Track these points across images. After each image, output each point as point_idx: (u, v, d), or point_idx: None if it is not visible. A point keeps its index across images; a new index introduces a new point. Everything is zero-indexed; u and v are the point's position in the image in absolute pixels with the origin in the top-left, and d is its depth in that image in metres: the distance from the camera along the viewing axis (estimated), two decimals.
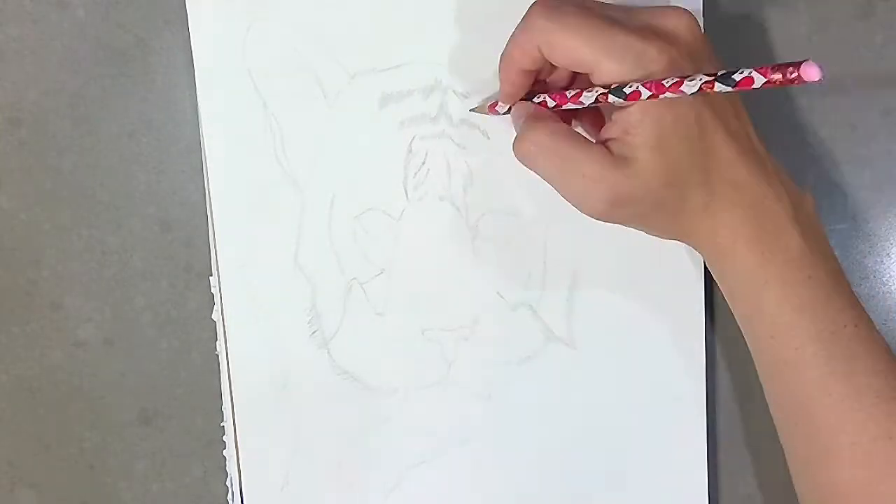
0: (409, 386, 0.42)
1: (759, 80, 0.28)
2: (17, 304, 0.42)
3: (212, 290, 0.41)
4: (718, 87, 0.29)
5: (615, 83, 0.32)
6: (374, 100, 0.40)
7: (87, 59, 0.41)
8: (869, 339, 0.35)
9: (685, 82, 0.30)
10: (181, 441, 0.43)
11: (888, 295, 0.42)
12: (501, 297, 0.41)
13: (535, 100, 0.36)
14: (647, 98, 0.31)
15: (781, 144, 0.41)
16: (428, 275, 0.41)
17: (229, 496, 0.42)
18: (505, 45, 0.35)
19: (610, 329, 0.42)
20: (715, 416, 0.42)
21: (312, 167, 0.40)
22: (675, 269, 0.41)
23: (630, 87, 0.31)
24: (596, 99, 0.33)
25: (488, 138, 0.40)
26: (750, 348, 0.37)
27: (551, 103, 0.35)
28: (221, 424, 0.42)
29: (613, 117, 0.33)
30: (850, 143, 0.41)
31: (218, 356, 0.41)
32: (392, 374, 0.41)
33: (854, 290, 0.42)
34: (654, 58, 0.32)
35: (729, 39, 0.41)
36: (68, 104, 0.41)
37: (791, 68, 0.27)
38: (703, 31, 0.34)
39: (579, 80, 0.36)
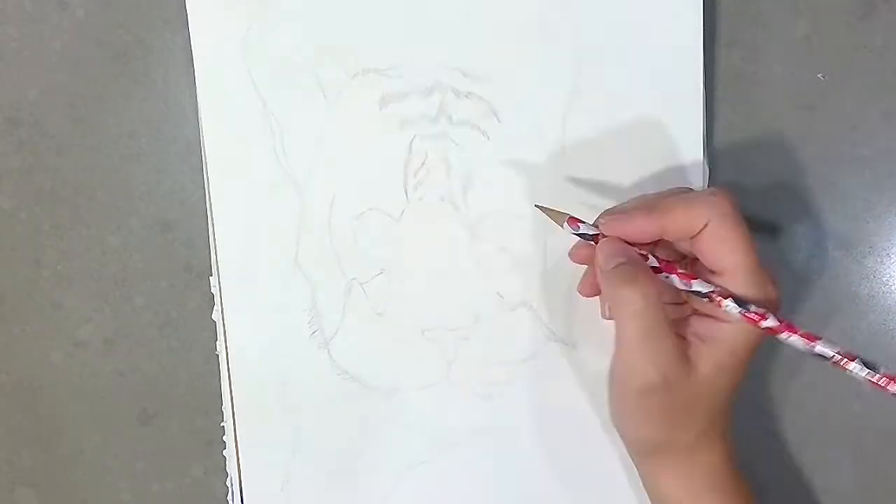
0: (409, 386, 0.42)
1: (844, 363, 0.31)
2: (17, 304, 0.42)
3: (212, 290, 0.41)
4: (819, 347, 0.31)
5: (737, 296, 0.33)
6: (374, 100, 0.40)
7: (87, 59, 0.41)
8: None
9: (819, 343, 0.32)
10: (181, 441, 0.43)
11: (888, 295, 0.42)
12: (501, 297, 0.41)
13: (639, 241, 0.34)
14: (765, 329, 0.32)
15: (781, 144, 0.41)
16: (428, 275, 0.41)
17: (229, 496, 0.42)
18: (656, 198, 0.35)
19: (610, 329, 0.41)
20: None
21: (312, 167, 0.40)
22: None
23: (757, 308, 0.32)
24: (707, 294, 0.33)
25: (488, 138, 0.40)
26: None
27: (653, 262, 0.34)
28: (221, 424, 0.42)
29: (692, 319, 0.34)
30: (850, 143, 0.41)
31: (218, 356, 0.41)
32: (392, 374, 0.41)
33: (854, 289, 0.42)
34: (773, 297, 0.33)
35: (729, 40, 0.41)
36: (68, 104, 0.41)
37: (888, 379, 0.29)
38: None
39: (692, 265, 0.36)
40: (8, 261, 0.42)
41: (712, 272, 0.34)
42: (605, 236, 0.35)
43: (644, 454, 0.37)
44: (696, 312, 0.35)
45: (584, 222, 0.35)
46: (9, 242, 0.42)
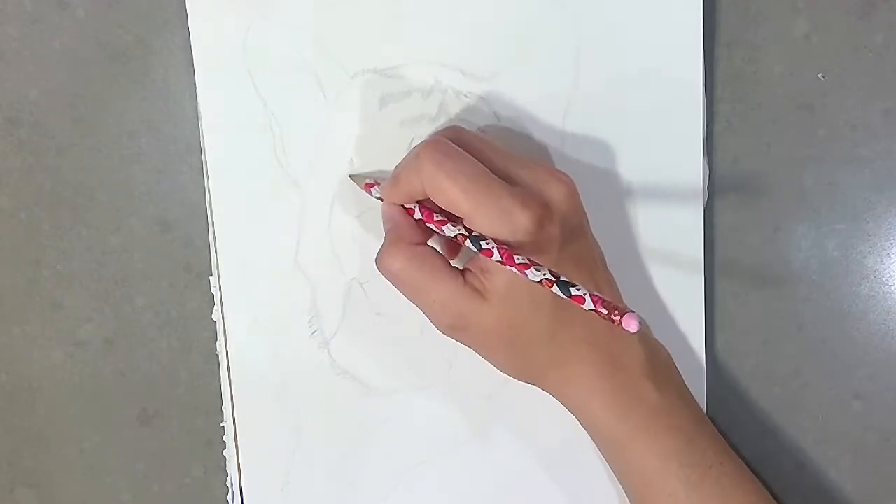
0: (409, 386, 0.42)
1: (588, 304, 0.30)
2: (17, 304, 0.42)
3: (212, 290, 0.41)
4: (555, 289, 0.31)
5: (475, 234, 0.33)
6: (374, 100, 0.40)
7: (87, 59, 0.41)
8: (736, 474, 0.37)
9: (532, 268, 0.31)
10: (181, 441, 0.43)
11: (888, 295, 0.42)
12: None
13: (407, 204, 0.36)
14: (496, 261, 0.32)
15: (781, 144, 0.41)
16: None
17: (229, 496, 0.42)
18: (396, 166, 0.36)
19: None
20: (714, 418, 0.42)
21: (312, 167, 0.40)
22: (675, 269, 0.41)
23: (488, 243, 0.33)
24: (455, 236, 0.34)
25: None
26: (626, 496, 0.38)
27: (418, 215, 0.36)
28: (221, 424, 0.42)
29: (479, 255, 0.34)
30: (850, 143, 0.41)
31: (218, 356, 0.41)
32: (392, 374, 0.41)
33: (854, 289, 0.42)
34: (524, 224, 0.33)
35: (729, 40, 0.41)
36: (68, 104, 0.41)
37: (616, 312, 0.29)
38: (581, 200, 0.36)
39: None
40: (8, 261, 0.42)
41: (462, 217, 0.34)
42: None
43: (527, 380, 0.37)
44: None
45: (376, 185, 0.38)
46: (9, 242, 0.42)
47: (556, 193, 0.35)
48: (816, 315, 0.42)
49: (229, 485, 0.42)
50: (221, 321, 0.41)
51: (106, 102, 0.41)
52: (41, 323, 0.42)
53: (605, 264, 0.38)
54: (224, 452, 0.42)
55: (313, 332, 0.41)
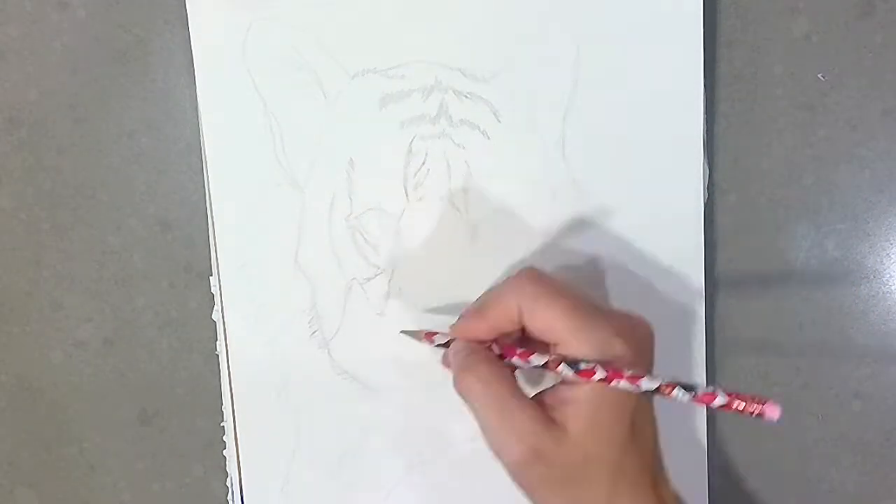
0: (410, 386, 0.42)
1: (719, 400, 0.29)
2: (17, 304, 0.42)
3: (212, 290, 0.41)
4: (677, 392, 0.30)
5: (570, 359, 0.33)
6: (374, 100, 0.40)
7: (87, 59, 0.41)
8: None
9: (645, 378, 0.31)
10: (181, 441, 0.43)
11: (888, 295, 0.42)
12: None
13: (488, 336, 0.35)
14: (598, 380, 0.32)
15: (782, 144, 0.41)
16: (428, 275, 0.41)
17: (229, 496, 0.42)
18: (484, 296, 0.35)
19: None
20: (714, 419, 0.42)
21: (312, 167, 0.40)
22: (675, 270, 0.41)
23: (587, 364, 0.32)
24: (546, 364, 0.34)
25: (488, 138, 0.40)
26: None
27: (497, 351, 0.35)
28: (221, 424, 0.42)
29: (557, 386, 0.34)
30: (850, 143, 0.41)
31: (218, 356, 0.41)
32: (392, 374, 0.41)
33: (854, 289, 0.42)
34: (619, 350, 0.33)
35: (729, 40, 0.41)
36: (68, 104, 0.41)
37: (756, 404, 0.28)
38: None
39: (528, 342, 0.36)
40: (8, 261, 0.42)
41: (555, 344, 0.34)
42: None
43: None
44: (563, 382, 0.35)
45: (437, 334, 0.37)
46: (9, 242, 0.42)
47: (642, 331, 0.35)
48: (816, 315, 0.42)
49: (229, 485, 0.42)
50: (221, 321, 0.41)
51: (106, 102, 0.41)
52: (41, 323, 0.42)
53: None
54: (224, 452, 0.42)
55: (313, 332, 0.41)
